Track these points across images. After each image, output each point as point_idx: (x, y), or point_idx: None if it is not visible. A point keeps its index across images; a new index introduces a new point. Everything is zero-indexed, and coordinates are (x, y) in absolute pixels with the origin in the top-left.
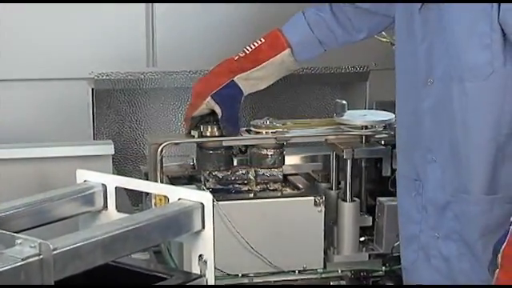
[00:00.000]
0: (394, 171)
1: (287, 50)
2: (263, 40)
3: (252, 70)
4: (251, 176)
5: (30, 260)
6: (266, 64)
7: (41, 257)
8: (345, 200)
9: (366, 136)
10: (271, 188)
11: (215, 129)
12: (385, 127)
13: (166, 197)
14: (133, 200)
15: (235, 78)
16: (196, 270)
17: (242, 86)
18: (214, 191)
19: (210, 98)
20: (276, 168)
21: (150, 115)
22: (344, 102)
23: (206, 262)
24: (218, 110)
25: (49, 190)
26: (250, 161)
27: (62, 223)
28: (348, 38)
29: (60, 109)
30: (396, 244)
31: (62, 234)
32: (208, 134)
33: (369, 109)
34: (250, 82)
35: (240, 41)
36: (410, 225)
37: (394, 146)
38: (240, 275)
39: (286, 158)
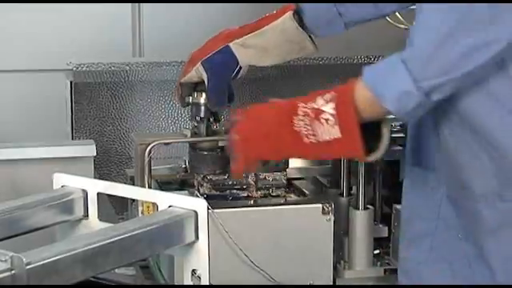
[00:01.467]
0: None
1: (288, 13)
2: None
3: (250, 34)
4: (251, 180)
5: (0, 276)
6: (266, 29)
7: (13, 272)
8: (357, 208)
9: None
10: (273, 194)
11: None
12: (402, 125)
13: (154, 204)
14: (117, 208)
15: (231, 44)
16: None
17: (237, 54)
18: (208, 197)
19: (199, 64)
20: (279, 171)
21: (136, 111)
22: None
23: (199, 278)
24: (204, 77)
25: (22, 196)
26: None
27: (36, 234)
28: (373, 11)
29: (33, 104)
30: None
31: (36, 246)
32: (201, 101)
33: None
34: (249, 50)
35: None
36: (420, 222)
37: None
38: None
39: (290, 160)
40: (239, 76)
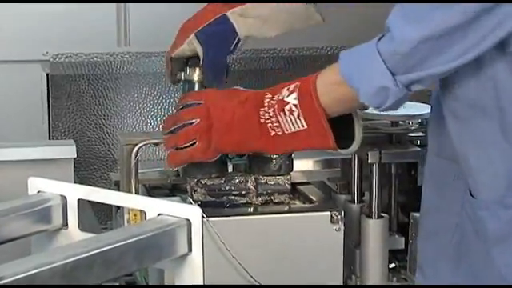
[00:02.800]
0: None
1: None
2: None
3: (249, 4)
4: (251, 185)
5: None
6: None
7: None
8: (370, 216)
9: (397, 135)
10: (276, 201)
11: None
12: (421, 123)
13: (142, 212)
14: (100, 216)
15: (228, 12)
16: None
17: (235, 24)
18: (203, 204)
19: (193, 35)
20: (282, 175)
21: (121, 108)
22: None
23: None
24: (199, 50)
25: None
26: (250, 166)
27: (9, 245)
28: None
29: (5, 100)
30: None
31: (10, 259)
32: (195, 78)
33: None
34: (248, 20)
35: None
36: (439, 214)
37: None
38: None
39: (295, 162)
40: (237, 49)
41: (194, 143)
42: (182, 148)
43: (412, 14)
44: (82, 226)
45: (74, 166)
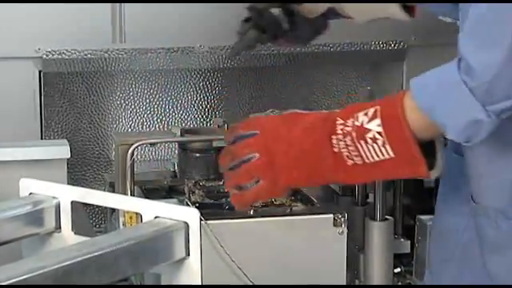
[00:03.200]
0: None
1: None
2: None
3: None
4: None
5: None
6: None
7: None
8: (374, 219)
9: None
10: (277, 203)
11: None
12: None
13: (138, 214)
14: (94, 219)
15: None
16: None
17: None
18: (201, 207)
19: None
20: None
21: (116, 106)
22: (369, 88)
23: None
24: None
25: None
26: None
27: (0, 249)
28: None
29: None
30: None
31: (0, 263)
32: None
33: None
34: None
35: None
36: (450, 216)
37: None
38: None
39: None
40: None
41: (258, 181)
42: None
43: (482, 39)
44: (76, 229)
45: (68, 167)
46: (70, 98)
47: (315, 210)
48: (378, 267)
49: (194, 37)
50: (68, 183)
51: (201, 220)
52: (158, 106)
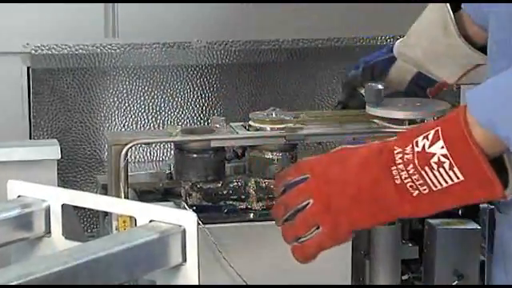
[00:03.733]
0: None
1: None
2: None
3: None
4: (251, 189)
5: None
6: (424, 13)
7: None
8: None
9: None
10: None
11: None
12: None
13: (132, 218)
14: (86, 223)
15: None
16: None
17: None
18: (199, 210)
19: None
20: None
21: (109, 104)
22: (380, 85)
23: None
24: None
25: None
26: (250, 168)
27: None
28: None
29: None
30: (455, 283)
31: None
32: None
33: (412, 92)
34: (408, 38)
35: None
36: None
37: None
38: None
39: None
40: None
41: (318, 227)
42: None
43: None
44: (66, 234)
45: (58, 168)
46: (60, 95)
47: None
48: (384, 273)
49: (191, 31)
50: (58, 185)
51: (198, 224)
52: (152, 104)
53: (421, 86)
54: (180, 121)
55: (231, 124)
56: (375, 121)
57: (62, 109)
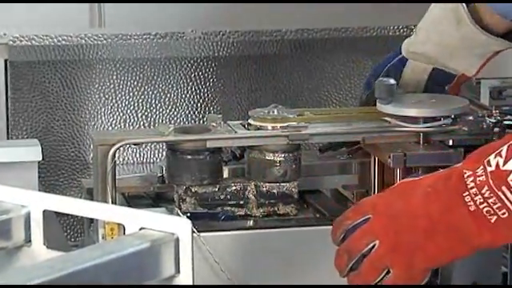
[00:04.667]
0: None
1: None
2: None
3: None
4: (250, 194)
5: None
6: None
7: None
8: None
9: (425, 134)
10: (280, 212)
11: None
12: (454, 119)
13: (120, 225)
14: (69, 231)
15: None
16: None
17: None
18: (193, 217)
19: None
20: (288, 182)
21: (95, 101)
22: (392, 80)
23: None
24: None
25: None
26: (249, 171)
27: None
28: None
29: None
30: None
31: None
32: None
33: (430, 91)
34: (416, 36)
35: None
36: None
37: (468, 149)
38: None
39: (303, 165)
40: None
41: (388, 271)
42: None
43: None
44: (48, 243)
45: (39, 171)
46: (41, 91)
47: (324, 220)
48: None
49: (184, 20)
50: (39, 189)
51: (193, 232)
52: (143, 100)
53: (440, 84)
54: (173, 119)
55: (229, 122)
56: (387, 119)
57: (43, 106)
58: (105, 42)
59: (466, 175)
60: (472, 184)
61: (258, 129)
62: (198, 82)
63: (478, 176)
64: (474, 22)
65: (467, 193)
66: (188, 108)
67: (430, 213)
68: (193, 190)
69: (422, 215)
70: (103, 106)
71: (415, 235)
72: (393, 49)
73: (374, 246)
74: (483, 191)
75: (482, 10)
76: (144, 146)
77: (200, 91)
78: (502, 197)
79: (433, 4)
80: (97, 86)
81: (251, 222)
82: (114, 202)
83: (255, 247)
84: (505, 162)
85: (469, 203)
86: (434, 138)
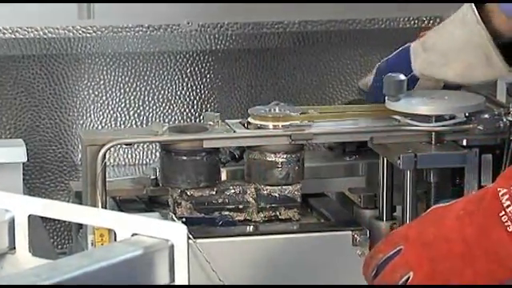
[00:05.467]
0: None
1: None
2: None
3: (431, 31)
4: (250, 197)
5: None
6: (445, 23)
7: None
8: None
9: (437, 133)
10: (282, 217)
11: None
12: (469, 118)
13: (111, 231)
14: (56, 237)
15: (413, 43)
16: None
17: (413, 58)
18: (189, 222)
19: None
20: (290, 184)
21: (84, 98)
22: (402, 76)
23: None
24: (370, 80)
25: None
26: (249, 173)
27: None
28: None
29: None
30: None
31: None
32: None
33: (442, 88)
34: (429, 56)
35: None
36: None
37: (483, 149)
38: None
39: (307, 167)
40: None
41: None
42: None
43: None
44: (34, 250)
45: (24, 173)
46: (25, 87)
47: (329, 225)
48: None
49: (180, 12)
50: (24, 193)
51: (188, 238)
52: (135, 97)
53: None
54: (167, 117)
55: (227, 121)
56: (396, 117)
57: (27, 103)
58: (94, 34)
59: (500, 193)
60: (508, 202)
61: (259, 128)
62: (195, 77)
63: None
64: (506, 65)
65: (503, 212)
66: (183, 105)
67: (466, 237)
68: (188, 194)
69: (457, 240)
70: (92, 104)
71: (451, 261)
72: (402, 42)
73: (408, 278)
74: None
75: (491, 15)
76: (136, 146)
77: (196, 87)
78: None
79: (448, 21)
80: (86, 82)
81: (251, 228)
82: (104, 207)
83: (255, 254)
84: None
85: (506, 223)
86: (446, 137)
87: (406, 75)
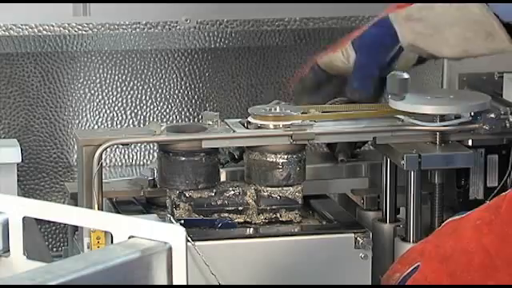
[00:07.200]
0: (489, 191)
1: None
2: None
3: (418, 4)
4: (250, 199)
5: None
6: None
7: None
8: (406, 240)
9: (442, 133)
10: (283, 219)
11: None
12: (474, 117)
13: (107, 234)
14: (51, 239)
15: (391, 14)
16: None
17: (398, 29)
18: (188, 224)
19: (349, 42)
20: (291, 186)
21: (79, 97)
22: (405, 75)
23: None
24: (351, 57)
25: None
26: (249, 174)
27: None
28: None
29: None
30: None
31: None
32: None
33: (447, 87)
34: (415, 26)
35: None
36: None
37: (489, 149)
38: None
39: (308, 168)
40: (398, 61)
41: None
42: None
43: None
44: (28, 253)
45: (18, 174)
46: (20, 86)
47: (332, 227)
48: None
49: (178, 8)
50: (18, 194)
51: (187, 241)
52: (132, 96)
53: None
54: (165, 117)
55: (226, 120)
56: (399, 116)
57: (22, 102)
58: (90, 32)
59: None
60: None
61: (259, 127)
62: (193, 76)
63: None
64: (510, 38)
65: None
66: (182, 105)
67: (485, 246)
68: (187, 195)
69: (477, 250)
70: (88, 103)
71: (471, 273)
72: None
73: None
74: None
75: None
76: (133, 146)
77: (195, 86)
78: None
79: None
80: (81, 80)
81: (251, 230)
82: (100, 208)
83: (255, 257)
84: None
85: None
86: (451, 137)
87: (390, 44)
